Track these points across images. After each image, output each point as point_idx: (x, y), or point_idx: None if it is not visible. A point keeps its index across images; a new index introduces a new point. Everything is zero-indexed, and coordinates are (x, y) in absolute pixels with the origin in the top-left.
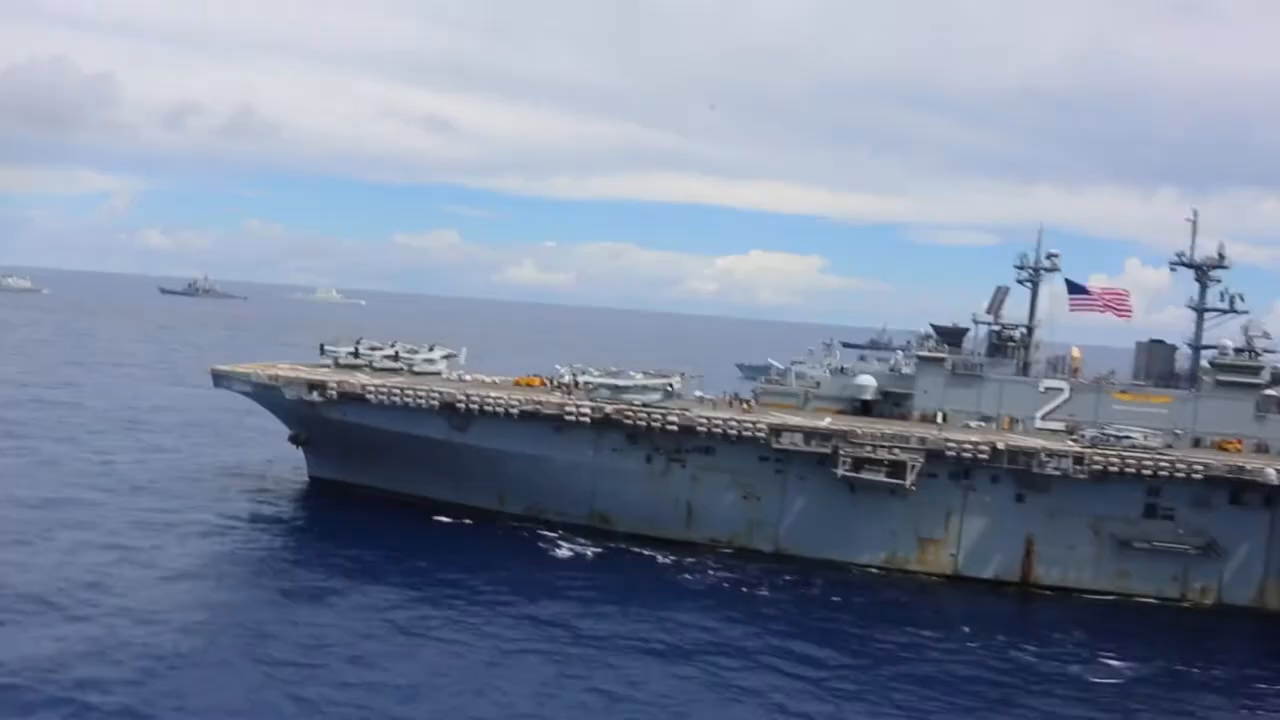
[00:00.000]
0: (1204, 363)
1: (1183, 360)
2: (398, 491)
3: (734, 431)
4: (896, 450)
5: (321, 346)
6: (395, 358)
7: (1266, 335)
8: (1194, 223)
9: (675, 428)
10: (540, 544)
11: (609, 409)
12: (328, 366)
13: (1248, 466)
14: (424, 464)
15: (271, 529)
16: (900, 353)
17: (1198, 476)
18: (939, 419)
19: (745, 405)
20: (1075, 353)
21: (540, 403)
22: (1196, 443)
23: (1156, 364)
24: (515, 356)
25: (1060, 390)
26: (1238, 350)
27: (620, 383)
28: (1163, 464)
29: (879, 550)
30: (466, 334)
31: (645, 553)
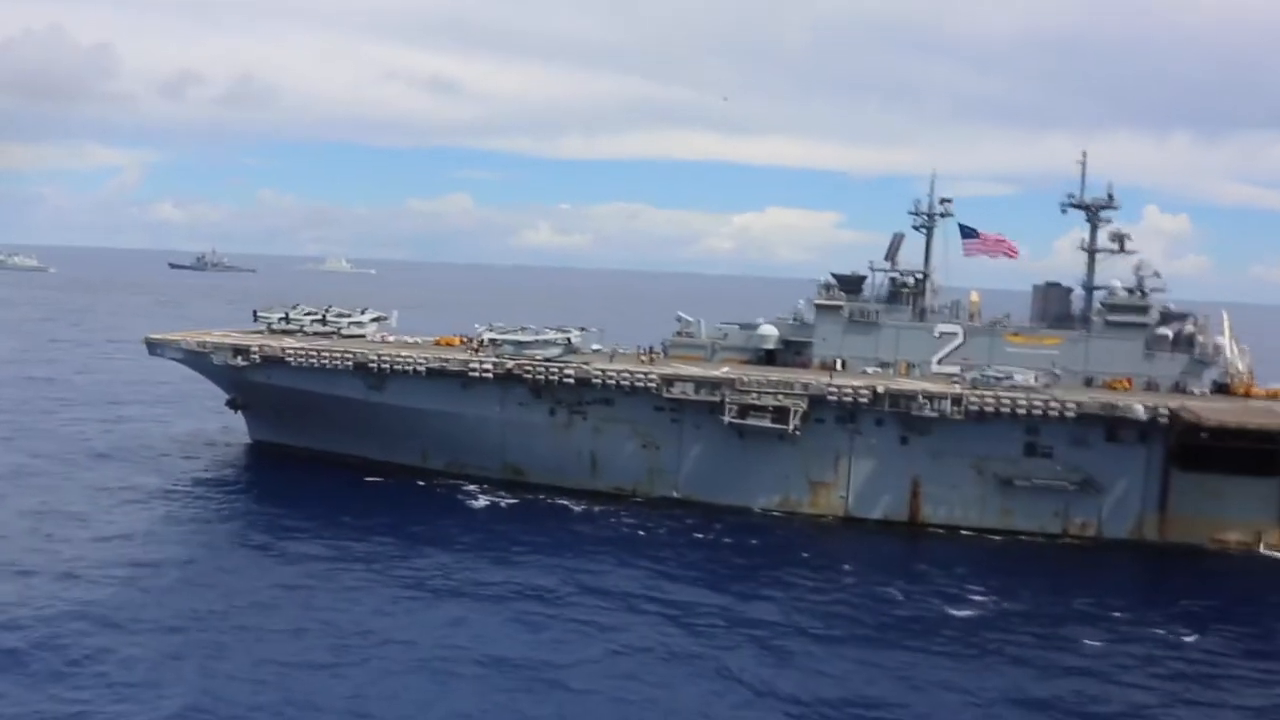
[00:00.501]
0: (1097, 304)
1: (1078, 302)
2: (330, 452)
3: (627, 383)
4: (781, 396)
5: (255, 313)
6: (324, 321)
7: (1157, 275)
8: (1083, 164)
9: (572, 380)
10: (458, 497)
11: (510, 364)
12: (261, 333)
13: (1119, 404)
14: (349, 424)
15: (205, 491)
16: (802, 302)
17: (1071, 415)
18: (838, 366)
19: (649, 357)
20: (974, 297)
21: (446, 360)
22: (1088, 382)
23: (1052, 306)
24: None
25: (954, 334)
26: (1127, 290)
27: (522, 338)
28: (1037, 403)
29: (773, 494)
30: (477, 302)
31: (558, 503)
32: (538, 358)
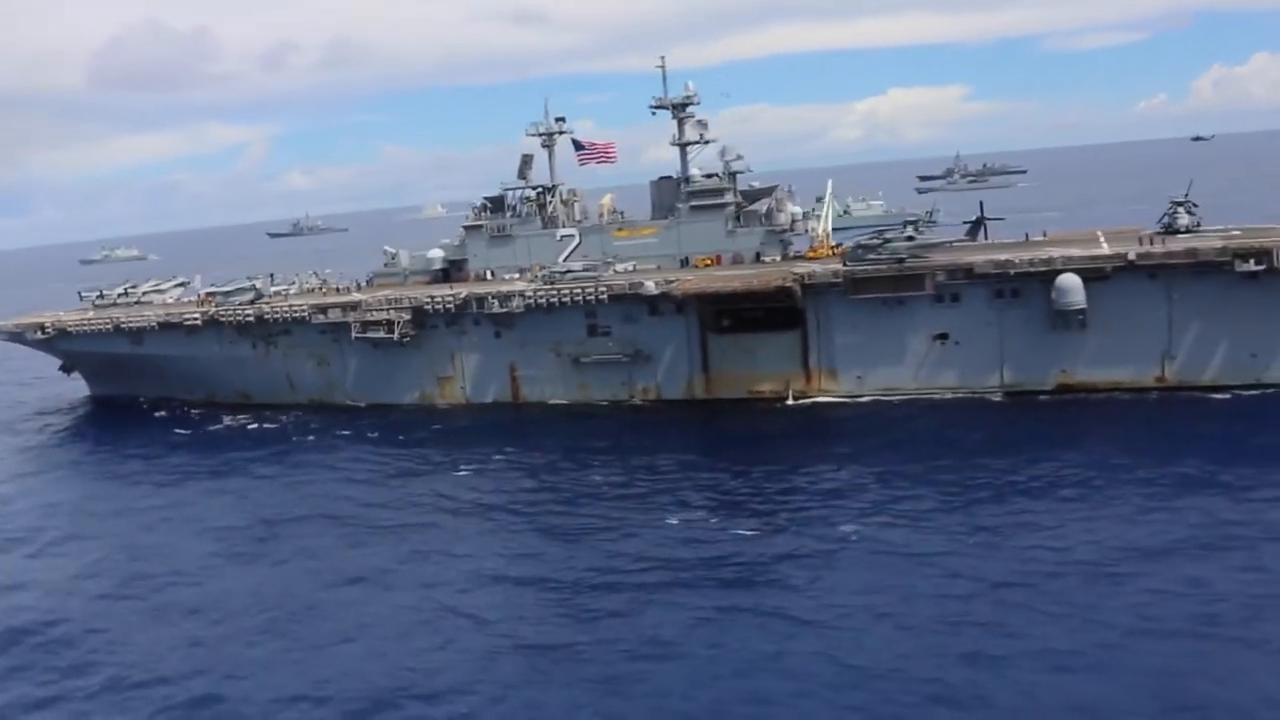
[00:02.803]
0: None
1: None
2: (138, 395)
3: (287, 316)
4: (390, 311)
5: (79, 293)
6: (126, 294)
7: (740, 157)
8: (663, 68)
9: (253, 319)
10: (207, 423)
11: (212, 311)
12: (85, 308)
13: (641, 282)
14: (136, 374)
15: (43, 434)
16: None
17: (604, 297)
18: (488, 276)
19: (339, 288)
20: (605, 200)
21: (170, 314)
22: (684, 263)
23: (665, 198)
24: None
25: (573, 237)
26: (705, 176)
27: (222, 290)
28: (579, 290)
29: (413, 391)
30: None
31: (280, 418)
32: (236, 303)
